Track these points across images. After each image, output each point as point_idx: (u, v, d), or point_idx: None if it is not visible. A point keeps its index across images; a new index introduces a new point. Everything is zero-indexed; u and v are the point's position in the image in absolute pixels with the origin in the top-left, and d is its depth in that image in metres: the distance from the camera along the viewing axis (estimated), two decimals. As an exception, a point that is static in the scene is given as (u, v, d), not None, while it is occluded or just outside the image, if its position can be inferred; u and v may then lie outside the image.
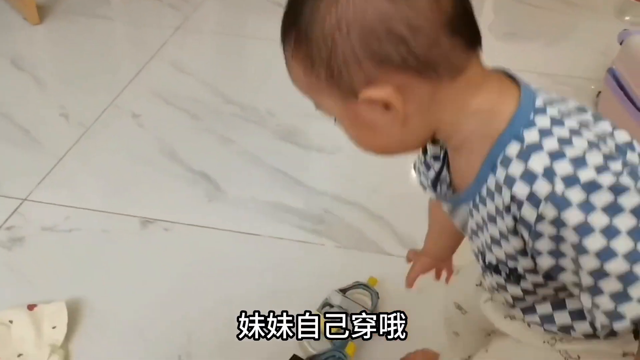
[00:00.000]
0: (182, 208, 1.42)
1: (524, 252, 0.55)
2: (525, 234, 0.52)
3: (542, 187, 0.49)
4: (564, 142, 0.50)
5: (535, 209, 0.49)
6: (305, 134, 1.72)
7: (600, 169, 0.49)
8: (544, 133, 0.51)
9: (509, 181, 0.51)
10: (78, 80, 1.90)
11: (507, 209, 0.52)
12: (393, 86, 0.52)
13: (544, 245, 0.51)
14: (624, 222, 0.48)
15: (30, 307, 1.13)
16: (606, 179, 0.48)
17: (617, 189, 0.48)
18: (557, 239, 0.50)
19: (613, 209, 0.48)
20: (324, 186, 1.51)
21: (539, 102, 0.54)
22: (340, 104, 0.55)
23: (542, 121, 0.52)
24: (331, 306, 1.14)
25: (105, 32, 2.22)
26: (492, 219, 0.56)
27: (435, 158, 0.66)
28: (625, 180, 0.48)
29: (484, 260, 0.62)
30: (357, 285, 1.18)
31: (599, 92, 1.85)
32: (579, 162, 0.49)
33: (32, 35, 2.15)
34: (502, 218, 0.54)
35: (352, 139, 0.60)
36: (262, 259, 1.30)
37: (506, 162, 0.52)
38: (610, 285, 0.49)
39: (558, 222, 0.49)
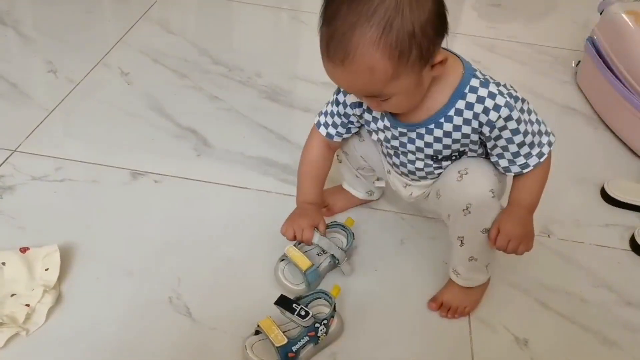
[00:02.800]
0: (171, 161, 1.44)
1: (476, 142, 0.96)
2: (486, 130, 0.92)
3: (500, 100, 0.89)
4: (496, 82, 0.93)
5: (497, 113, 0.90)
6: (291, 95, 1.75)
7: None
8: (485, 76, 0.93)
9: (479, 99, 0.90)
10: (65, 38, 1.90)
11: (476, 116, 0.91)
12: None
13: (494, 133, 0.92)
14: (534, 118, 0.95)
15: (23, 250, 1.16)
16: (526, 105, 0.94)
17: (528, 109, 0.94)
18: (503, 128, 0.92)
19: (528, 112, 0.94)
20: (310, 144, 1.54)
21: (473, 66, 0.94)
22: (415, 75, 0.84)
23: (480, 73, 0.93)
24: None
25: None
26: (458, 128, 0.93)
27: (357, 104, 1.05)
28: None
29: (432, 157, 1.00)
30: (335, 224, 1.22)
31: (579, 61, 1.90)
32: (509, 88, 0.92)
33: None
34: (469, 125, 0.92)
35: (399, 106, 0.91)
36: (250, 210, 1.34)
37: (473, 89, 0.90)
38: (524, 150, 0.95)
39: (508, 118, 0.90)
